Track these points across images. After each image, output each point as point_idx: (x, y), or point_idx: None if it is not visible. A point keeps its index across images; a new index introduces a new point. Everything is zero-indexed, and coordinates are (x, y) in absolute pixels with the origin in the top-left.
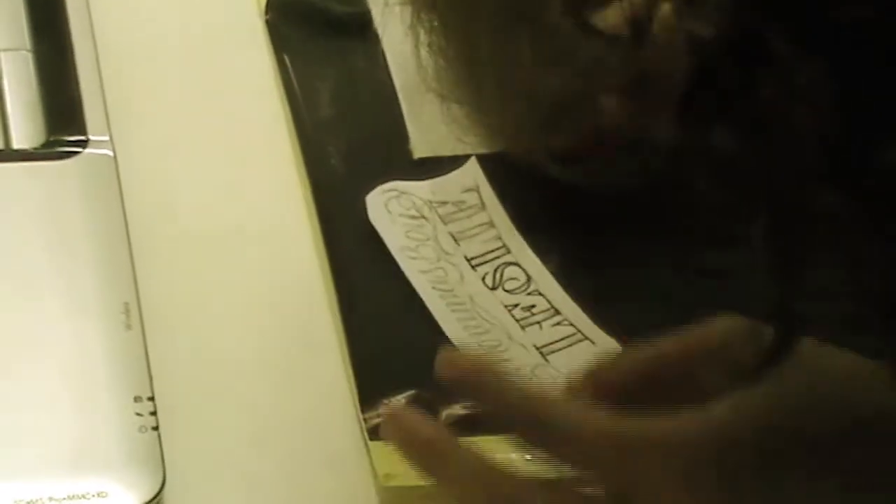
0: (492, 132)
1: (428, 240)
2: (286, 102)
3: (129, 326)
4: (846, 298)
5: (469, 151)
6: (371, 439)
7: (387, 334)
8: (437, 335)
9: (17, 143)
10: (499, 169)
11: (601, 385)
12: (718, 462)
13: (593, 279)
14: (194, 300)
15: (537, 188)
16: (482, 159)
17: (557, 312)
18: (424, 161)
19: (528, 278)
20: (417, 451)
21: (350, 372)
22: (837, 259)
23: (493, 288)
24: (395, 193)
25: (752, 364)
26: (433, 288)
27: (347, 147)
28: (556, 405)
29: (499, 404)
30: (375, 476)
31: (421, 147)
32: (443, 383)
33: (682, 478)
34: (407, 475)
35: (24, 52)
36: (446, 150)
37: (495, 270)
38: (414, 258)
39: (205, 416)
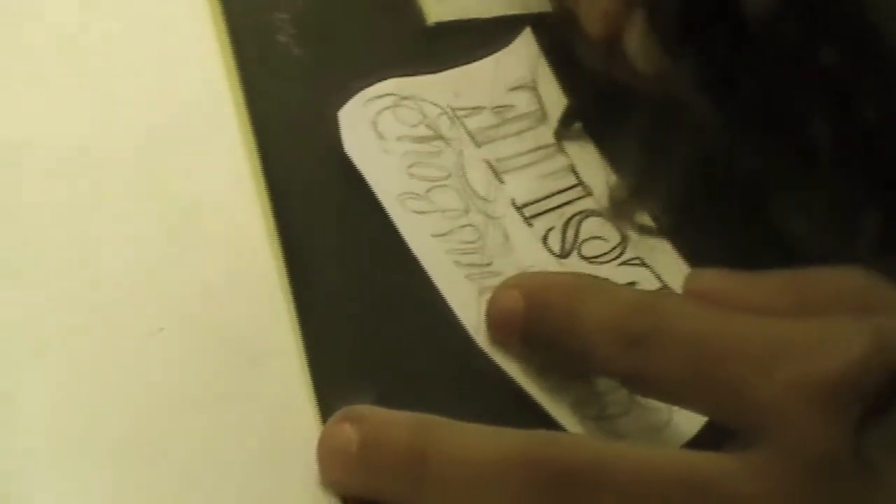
0: None
1: (448, 177)
2: None
3: None
4: None
5: (523, 9)
6: None
7: (361, 341)
8: (462, 346)
9: None
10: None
11: None
12: None
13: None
14: None
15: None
16: (546, 31)
17: None
18: (443, 32)
19: (624, 238)
20: None
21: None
22: None
23: (563, 255)
24: (390, 100)
25: None
26: (455, 264)
27: (306, 13)
28: None
29: None
30: None
31: (439, 5)
32: None
33: None
34: None
35: None
36: (480, 9)
37: (566, 225)
38: (422, 213)
39: None
